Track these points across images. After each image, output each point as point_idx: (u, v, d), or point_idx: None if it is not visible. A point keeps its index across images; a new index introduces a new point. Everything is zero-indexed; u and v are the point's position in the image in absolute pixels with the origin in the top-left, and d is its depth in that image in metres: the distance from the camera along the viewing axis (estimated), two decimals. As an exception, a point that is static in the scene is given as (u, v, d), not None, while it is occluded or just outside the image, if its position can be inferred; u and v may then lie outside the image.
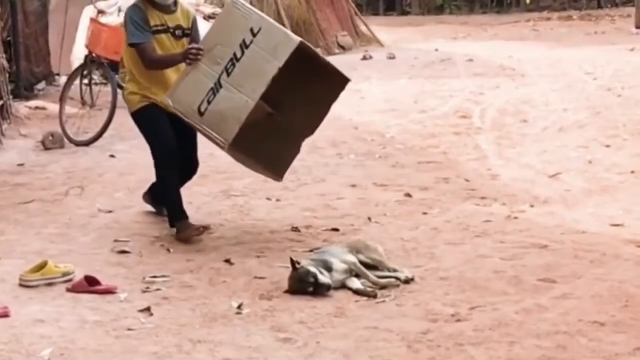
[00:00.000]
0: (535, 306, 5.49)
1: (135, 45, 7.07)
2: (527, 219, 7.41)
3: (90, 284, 5.89)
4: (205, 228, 6.96)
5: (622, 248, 6.58)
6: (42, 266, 6.06)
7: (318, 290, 5.76)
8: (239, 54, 6.69)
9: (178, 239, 6.97)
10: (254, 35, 6.65)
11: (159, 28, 7.14)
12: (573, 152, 9.84)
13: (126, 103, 7.36)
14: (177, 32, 7.22)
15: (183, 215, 7.08)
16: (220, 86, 6.70)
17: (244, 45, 6.68)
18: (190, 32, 7.28)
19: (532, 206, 7.81)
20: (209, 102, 6.72)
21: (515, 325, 5.21)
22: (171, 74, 7.13)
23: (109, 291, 5.85)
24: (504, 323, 5.24)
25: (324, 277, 5.79)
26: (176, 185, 7.13)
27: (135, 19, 7.07)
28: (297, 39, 6.69)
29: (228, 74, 6.71)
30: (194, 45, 6.94)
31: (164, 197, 7.24)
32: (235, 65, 6.69)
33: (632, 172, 8.85)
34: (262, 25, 6.69)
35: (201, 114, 6.73)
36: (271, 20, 6.96)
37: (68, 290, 5.88)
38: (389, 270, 6.07)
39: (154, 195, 7.63)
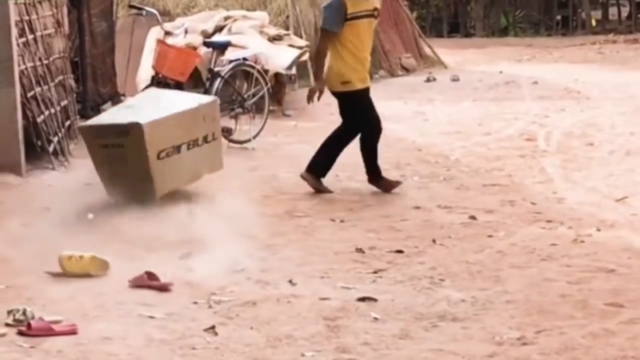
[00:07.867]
0: (603, 331, 5.43)
1: (326, 30, 8.66)
2: (593, 242, 7.34)
3: (150, 279, 6.27)
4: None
5: (691, 273, 6.49)
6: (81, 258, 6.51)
7: None
8: None
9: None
10: None
11: (359, 14, 8.61)
12: (640, 177, 9.74)
13: (343, 82, 8.69)
14: (375, 14, 8.83)
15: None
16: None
17: None
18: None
19: (598, 230, 7.73)
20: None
21: (582, 350, 5.15)
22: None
23: (165, 287, 6.22)
24: (571, 347, 5.19)
25: None
26: None
27: (334, 8, 8.61)
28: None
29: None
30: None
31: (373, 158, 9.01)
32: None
33: (701, 197, 8.73)
34: None
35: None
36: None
37: (129, 282, 6.28)
38: None
39: (376, 175, 9.08)
